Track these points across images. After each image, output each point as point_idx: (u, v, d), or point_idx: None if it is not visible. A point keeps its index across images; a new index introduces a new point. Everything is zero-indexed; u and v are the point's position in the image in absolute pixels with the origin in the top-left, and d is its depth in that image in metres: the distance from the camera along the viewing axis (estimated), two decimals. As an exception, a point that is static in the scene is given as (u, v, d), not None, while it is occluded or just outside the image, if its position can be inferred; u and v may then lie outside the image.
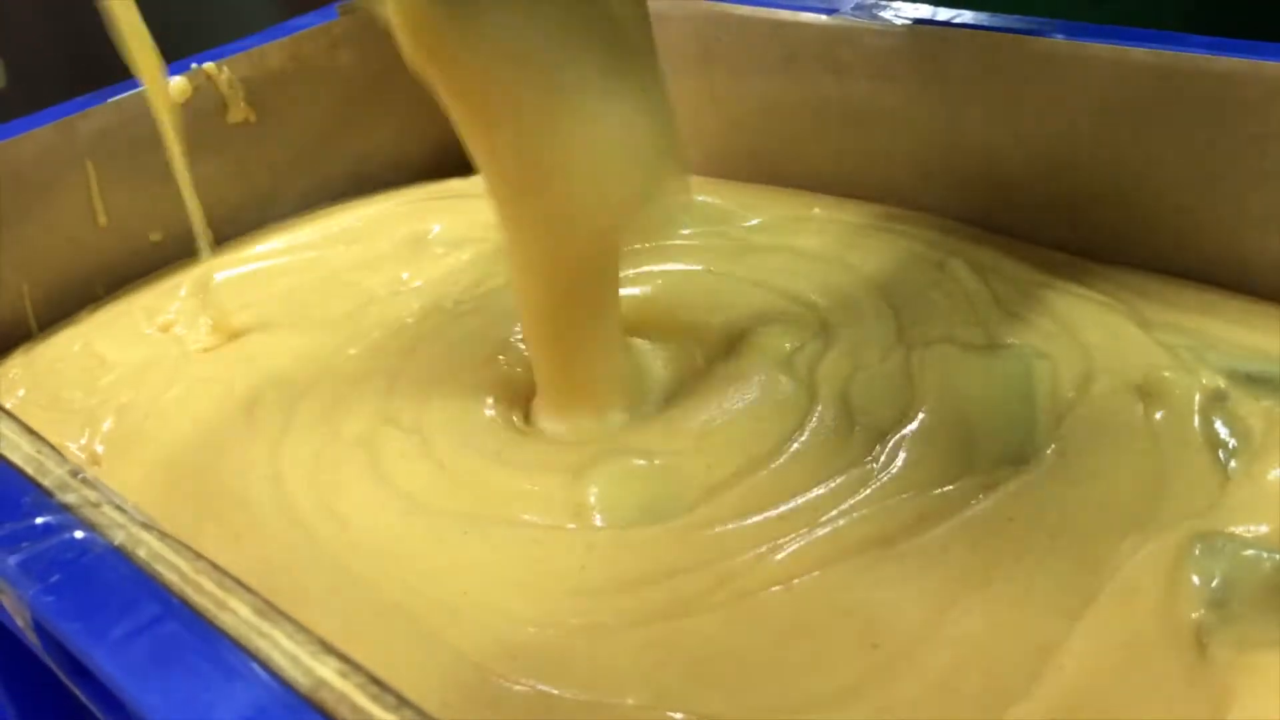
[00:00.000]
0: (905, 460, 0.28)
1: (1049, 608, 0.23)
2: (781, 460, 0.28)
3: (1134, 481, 0.26)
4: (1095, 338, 0.31)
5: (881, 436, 0.28)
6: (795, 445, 0.28)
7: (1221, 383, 0.28)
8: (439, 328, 0.36)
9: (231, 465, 0.31)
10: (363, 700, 0.17)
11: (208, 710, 0.17)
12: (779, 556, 0.25)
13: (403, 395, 0.33)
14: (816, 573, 0.25)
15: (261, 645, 0.18)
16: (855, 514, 0.26)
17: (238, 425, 0.32)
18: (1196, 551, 0.24)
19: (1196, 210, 0.34)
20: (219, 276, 0.41)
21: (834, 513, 0.26)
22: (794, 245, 0.38)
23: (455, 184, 0.46)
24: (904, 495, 0.26)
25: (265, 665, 0.18)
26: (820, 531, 0.26)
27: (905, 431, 0.29)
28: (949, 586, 0.24)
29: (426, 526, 0.28)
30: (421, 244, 0.42)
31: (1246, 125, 0.32)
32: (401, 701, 0.17)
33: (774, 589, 0.24)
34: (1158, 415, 0.28)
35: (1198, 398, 0.28)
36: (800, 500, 0.27)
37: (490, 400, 0.32)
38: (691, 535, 0.26)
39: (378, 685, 0.17)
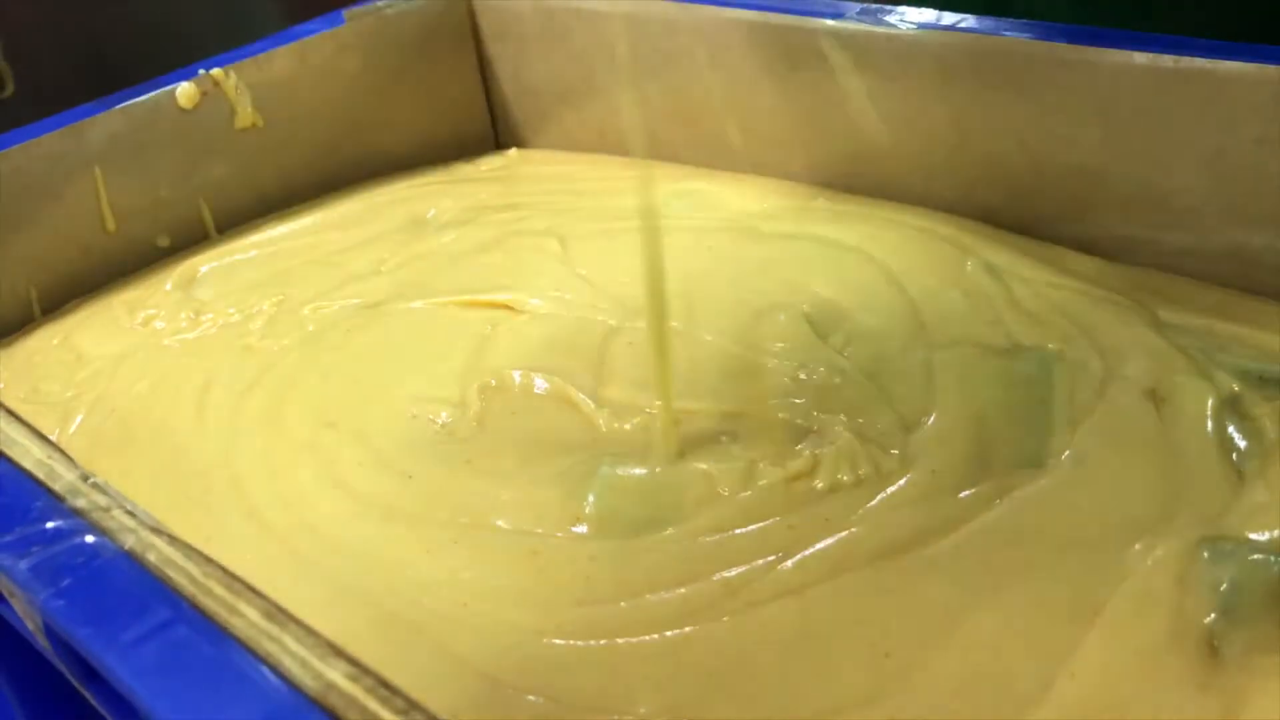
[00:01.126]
0: (921, 465, 0.27)
1: (1061, 615, 0.23)
2: (792, 462, 0.28)
3: (1147, 487, 0.26)
4: (1111, 340, 0.31)
5: (899, 439, 0.28)
6: (806, 447, 0.28)
7: (1235, 385, 0.28)
8: (377, 319, 0.36)
9: (190, 466, 0.31)
10: (372, 704, 0.17)
11: (218, 713, 0.17)
12: (788, 565, 0.25)
13: (336, 393, 0.32)
14: (828, 582, 0.24)
15: (271, 649, 0.18)
16: (868, 521, 0.26)
17: (191, 423, 0.32)
18: (1205, 556, 0.24)
19: (1203, 213, 0.33)
20: (206, 269, 0.41)
21: (846, 520, 0.26)
22: (803, 233, 0.38)
23: (462, 168, 0.47)
24: (918, 502, 0.26)
25: (275, 669, 0.18)
26: (831, 540, 0.25)
27: (923, 434, 0.28)
28: (962, 595, 0.24)
29: (410, 536, 0.27)
30: (417, 226, 0.43)
31: (1251, 128, 0.32)
32: (411, 705, 0.17)
33: (785, 599, 0.24)
34: (1172, 418, 0.28)
35: (1211, 401, 0.28)
36: (810, 508, 0.26)
37: (425, 400, 0.32)
38: (696, 545, 0.26)
39: (387, 689, 0.18)
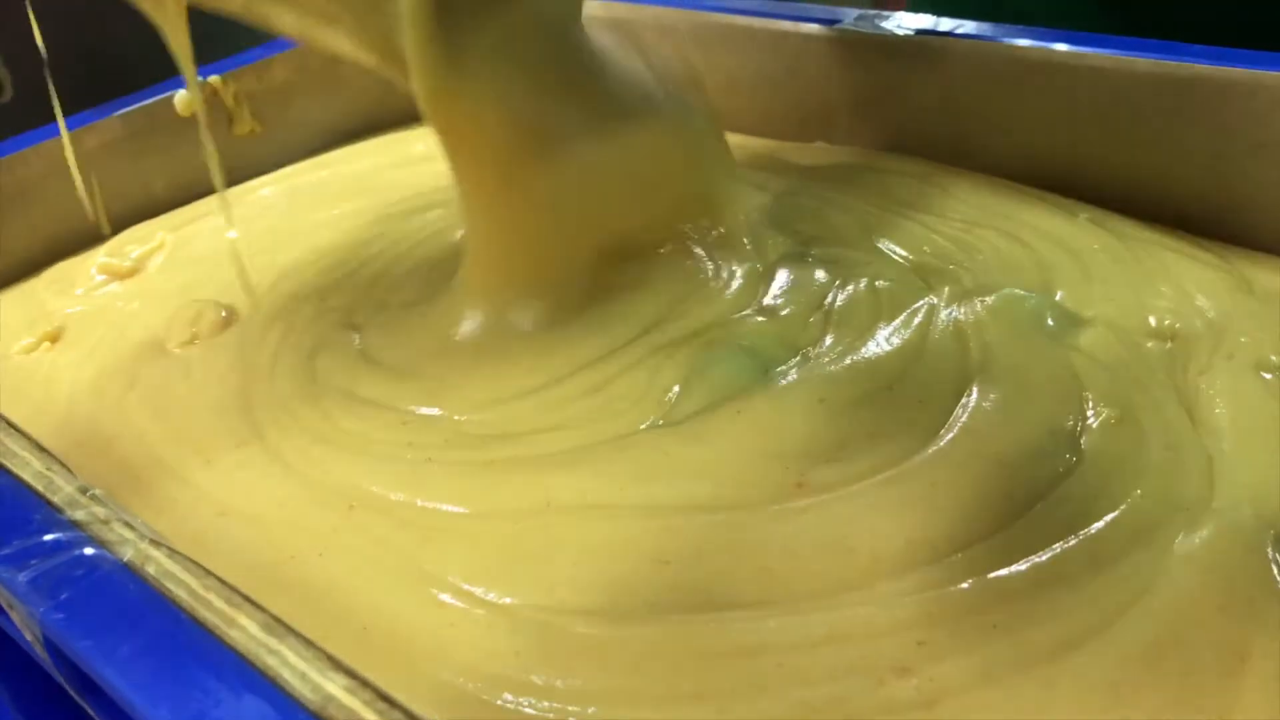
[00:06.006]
0: (1098, 481, 0.25)
1: (1212, 671, 0.21)
2: (818, 472, 0.25)
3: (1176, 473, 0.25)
4: (1217, 306, 0.30)
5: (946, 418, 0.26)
6: (834, 451, 0.25)
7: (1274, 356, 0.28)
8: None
9: (122, 452, 0.30)
10: (371, 716, 0.17)
11: (216, 727, 0.17)
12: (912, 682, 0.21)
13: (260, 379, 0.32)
14: (969, 694, 0.21)
15: (270, 662, 0.18)
16: (1036, 616, 0.22)
17: (114, 410, 0.32)
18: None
19: (1200, 218, 0.34)
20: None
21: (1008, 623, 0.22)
22: (809, 189, 0.38)
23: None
24: (1091, 566, 0.23)
25: (274, 681, 0.18)
26: (980, 651, 0.21)
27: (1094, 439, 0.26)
28: (1126, 671, 0.21)
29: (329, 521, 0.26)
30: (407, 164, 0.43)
31: (1250, 134, 0.32)
32: (410, 717, 0.17)
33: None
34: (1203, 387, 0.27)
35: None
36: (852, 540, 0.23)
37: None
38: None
39: (385, 701, 0.18)
